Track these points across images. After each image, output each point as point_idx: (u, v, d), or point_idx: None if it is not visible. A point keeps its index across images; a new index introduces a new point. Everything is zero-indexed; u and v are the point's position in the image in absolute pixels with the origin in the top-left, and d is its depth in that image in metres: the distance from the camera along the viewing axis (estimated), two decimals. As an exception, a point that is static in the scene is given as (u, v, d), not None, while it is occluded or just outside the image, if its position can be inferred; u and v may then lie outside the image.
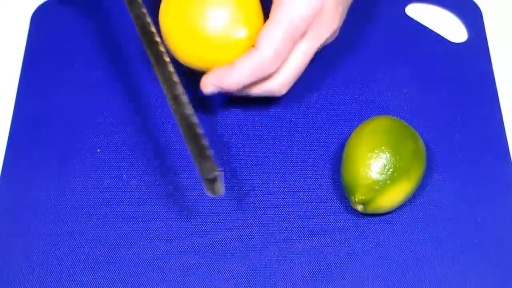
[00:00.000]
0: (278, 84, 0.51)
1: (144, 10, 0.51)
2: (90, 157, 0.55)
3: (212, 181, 0.44)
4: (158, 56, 0.49)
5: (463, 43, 0.60)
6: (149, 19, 0.51)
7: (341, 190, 0.53)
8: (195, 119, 0.47)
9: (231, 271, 0.50)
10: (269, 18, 0.50)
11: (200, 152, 0.45)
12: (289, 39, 0.49)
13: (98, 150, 0.56)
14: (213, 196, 0.45)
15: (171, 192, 0.53)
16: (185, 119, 0.47)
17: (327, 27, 0.51)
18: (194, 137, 0.46)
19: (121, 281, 0.50)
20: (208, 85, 0.51)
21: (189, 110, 0.47)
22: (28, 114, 0.58)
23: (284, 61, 0.50)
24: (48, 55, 0.60)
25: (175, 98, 0.48)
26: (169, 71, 0.49)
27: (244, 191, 0.53)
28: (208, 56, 0.50)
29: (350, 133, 0.53)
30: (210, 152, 0.45)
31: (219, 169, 0.44)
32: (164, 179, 0.54)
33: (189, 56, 0.51)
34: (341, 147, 0.54)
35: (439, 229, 0.52)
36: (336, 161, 0.54)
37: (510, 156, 0.55)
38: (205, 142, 0.46)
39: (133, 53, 0.60)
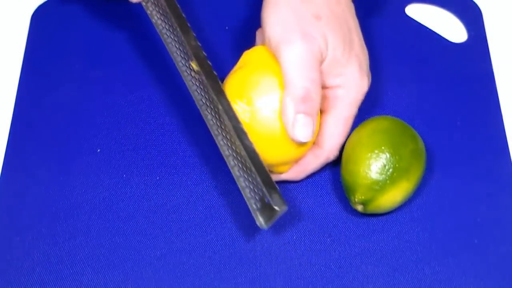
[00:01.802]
0: (332, 153, 0.52)
1: (198, 43, 0.51)
2: (90, 157, 0.55)
3: (272, 213, 0.46)
4: (216, 88, 0.49)
5: (463, 43, 0.60)
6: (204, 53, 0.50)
7: (341, 190, 0.53)
8: (256, 149, 0.47)
9: (231, 272, 0.50)
10: (325, 109, 0.51)
11: (270, 183, 0.46)
12: (348, 126, 0.51)
13: (98, 150, 0.56)
14: (261, 227, 0.46)
15: (171, 192, 0.53)
16: (247, 149, 0.47)
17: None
18: (260, 168, 0.46)
19: (122, 281, 0.50)
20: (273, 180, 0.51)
21: (248, 141, 0.47)
22: (28, 114, 0.58)
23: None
24: (48, 55, 0.61)
25: (236, 129, 0.47)
26: (228, 102, 0.48)
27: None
28: (267, 158, 0.49)
29: (350, 133, 0.53)
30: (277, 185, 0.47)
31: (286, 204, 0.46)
32: (165, 179, 0.54)
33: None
34: (341, 147, 0.54)
35: (439, 229, 0.52)
36: (336, 161, 0.54)
37: (510, 156, 0.55)
38: (269, 174, 0.47)
39: (133, 53, 0.60)
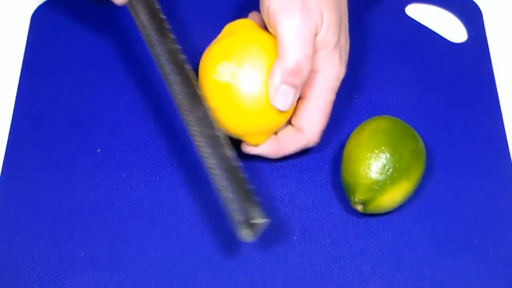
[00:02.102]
0: (313, 139, 0.52)
1: (179, 46, 0.50)
2: (90, 156, 0.55)
3: (252, 226, 0.45)
4: (194, 94, 0.48)
5: (463, 43, 0.60)
6: (184, 56, 0.50)
7: (341, 190, 0.53)
8: (237, 162, 0.47)
9: (231, 272, 0.50)
10: (304, 95, 0.51)
11: (246, 196, 0.46)
12: (328, 112, 0.51)
13: (99, 150, 0.56)
14: (244, 241, 0.46)
15: (171, 192, 0.53)
16: (225, 161, 0.47)
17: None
18: (237, 181, 0.46)
19: (122, 281, 0.50)
20: (249, 151, 0.51)
21: (229, 152, 0.47)
22: (28, 114, 0.58)
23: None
24: (48, 55, 0.61)
25: (213, 139, 0.47)
26: (206, 110, 0.48)
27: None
28: (243, 123, 0.49)
29: (350, 133, 0.53)
30: (257, 198, 0.46)
31: (267, 217, 0.46)
32: (165, 179, 0.54)
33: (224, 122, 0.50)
34: (341, 147, 0.54)
35: (439, 229, 0.52)
36: (336, 161, 0.54)
37: (510, 156, 0.55)
38: (250, 186, 0.46)
39: (133, 53, 0.60)
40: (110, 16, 0.62)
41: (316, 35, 0.49)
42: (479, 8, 0.62)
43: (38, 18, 0.63)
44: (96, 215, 0.53)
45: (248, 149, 0.52)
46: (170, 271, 0.50)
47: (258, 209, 0.46)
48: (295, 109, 0.51)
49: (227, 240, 0.51)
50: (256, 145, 0.51)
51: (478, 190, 0.53)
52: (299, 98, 0.51)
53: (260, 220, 0.45)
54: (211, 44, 0.51)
